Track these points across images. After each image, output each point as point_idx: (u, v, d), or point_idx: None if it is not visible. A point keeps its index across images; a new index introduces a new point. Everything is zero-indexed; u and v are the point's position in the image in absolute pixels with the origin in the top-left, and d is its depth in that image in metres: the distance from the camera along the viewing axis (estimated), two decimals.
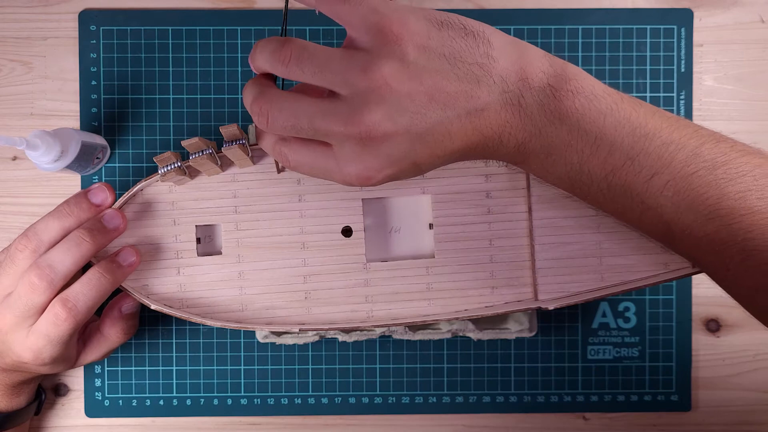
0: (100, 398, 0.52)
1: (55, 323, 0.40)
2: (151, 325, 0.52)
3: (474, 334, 0.50)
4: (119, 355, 0.52)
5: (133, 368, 0.52)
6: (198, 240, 0.44)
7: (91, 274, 0.41)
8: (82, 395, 0.52)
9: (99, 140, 0.50)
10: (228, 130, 0.39)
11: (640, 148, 0.33)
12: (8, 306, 0.40)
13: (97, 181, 0.52)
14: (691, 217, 0.33)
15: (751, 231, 0.32)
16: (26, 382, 0.46)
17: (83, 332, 0.46)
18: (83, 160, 0.47)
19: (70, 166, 0.46)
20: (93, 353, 0.46)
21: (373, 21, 0.32)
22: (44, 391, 0.50)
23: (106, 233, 0.42)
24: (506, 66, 0.33)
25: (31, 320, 0.40)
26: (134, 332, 0.47)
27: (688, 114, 0.53)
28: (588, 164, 0.34)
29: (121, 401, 0.52)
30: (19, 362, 0.42)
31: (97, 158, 0.50)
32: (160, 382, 0.52)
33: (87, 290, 0.40)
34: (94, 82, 0.52)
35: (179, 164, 0.41)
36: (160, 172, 0.41)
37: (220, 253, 0.44)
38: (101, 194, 0.42)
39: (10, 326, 0.41)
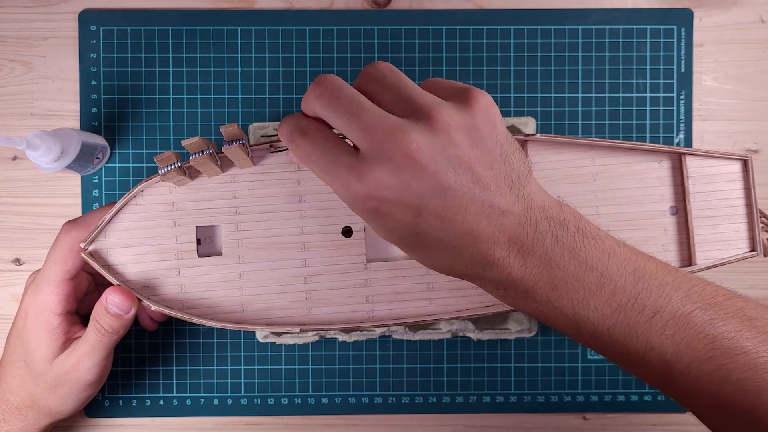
0: (100, 398, 0.52)
1: None
2: None
3: (474, 334, 0.50)
4: (119, 355, 0.52)
5: (133, 368, 0.52)
6: (198, 241, 0.44)
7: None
8: None
9: (99, 140, 0.50)
10: (228, 129, 0.39)
11: (642, 287, 0.34)
12: None
13: (97, 181, 0.52)
14: (690, 356, 0.34)
15: (745, 371, 0.33)
16: None
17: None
18: (83, 160, 0.47)
19: (70, 166, 0.46)
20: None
21: (422, 102, 0.33)
22: None
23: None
24: (535, 191, 0.34)
25: None
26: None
27: (688, 114, 0.53)
28: (594, 300, 0.34)
29: (121, 401, 0.52)
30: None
31: (97, 158, 0.50)
32: (160, 382, 0.52)
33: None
34: (94, 82, 0.52)
35: (179, 164, 0.41)
36: (160, 172, 0.41)
37: (221, 253, 0.44)
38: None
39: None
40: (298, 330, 0.43)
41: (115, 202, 0.43)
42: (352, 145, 0.34)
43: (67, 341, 0.44)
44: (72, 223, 0.44)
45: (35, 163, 0.45)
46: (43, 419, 0.45)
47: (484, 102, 0.33)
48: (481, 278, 0.35)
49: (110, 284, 0.43)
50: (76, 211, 0.52)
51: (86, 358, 0.43)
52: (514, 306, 0.37)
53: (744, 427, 0.33)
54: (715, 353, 0.33)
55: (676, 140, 0.53)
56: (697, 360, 0.33)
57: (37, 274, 0.46)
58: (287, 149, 0.42)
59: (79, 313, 0.46)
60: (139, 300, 0.43)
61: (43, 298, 0.43)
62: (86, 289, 0.46)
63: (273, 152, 0.43)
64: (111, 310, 0.42)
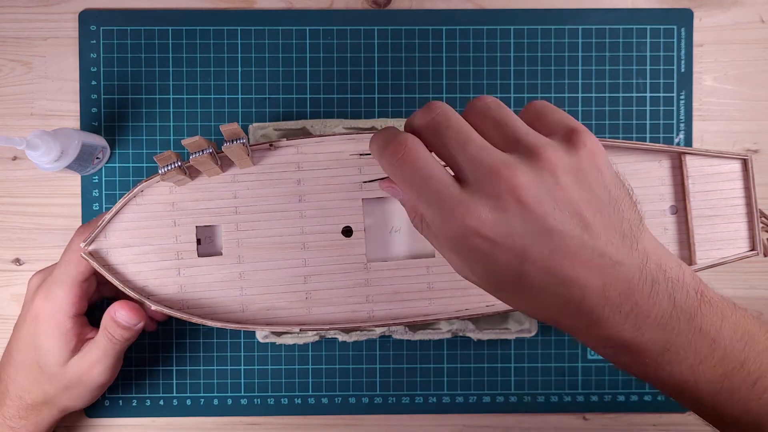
0: (100, 398, 0.52)
1: None
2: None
3: (474, 334, 0.50)
4: None
5: (134, 368, 0.52)
6: (198, 241, 0.44)
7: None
8: None
9: (99, 140, 0.50)
10: (228, 128, 0.39)
11: (748, 352, 0.32)
12: None
13: (97, 181, 0.52)
14: None
15: None
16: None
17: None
18: (83, 160, 0.47)
19: (70, 166, 0.46)
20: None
21: (529, 140, 0.31)
22: None
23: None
24: (650, 244, 0.31)
25: None
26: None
27: (688, 114, 0.53)
28: (703, 366, 0.32)
29: (121, 401, 0.52)
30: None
31: (97, 158, 0.50)
32: (160, 382, 0.52)
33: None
34: (94, 82, 0.52)
35: (179, 164, 0.41)
36: (160, 171, 0.41)
37: (221, 253, 0.44)
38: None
39: None
40: (298, 330, 0.43)
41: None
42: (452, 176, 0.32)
43: (79, 343, 0.45)
44: (87, 226, 0.45)
45: (35, 163, 0.45)
46: (57, 414, 0.47)
47: (591, 144, 0.31)
48: (586, 333, 0.32)
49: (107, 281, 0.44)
50: (76, 211, 0.52)
51: (99, 363, 0.45)
52: (615, 362, 0.34)
53: None
54: None
55: (676, 140, 0.53)
56: None
57: (41, 275, 0.46)
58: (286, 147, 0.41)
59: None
60: (141, 303, 0.44)
61: (56, 301, 0.44)
62: (94, 289, 0.47)
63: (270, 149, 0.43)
64: (120, 324, 0.44)
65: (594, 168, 0.31)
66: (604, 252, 0.30)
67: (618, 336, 0.31)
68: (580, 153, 0.31)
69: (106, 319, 0.44)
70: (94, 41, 0.52)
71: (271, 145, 0.43)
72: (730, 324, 0.32)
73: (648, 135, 0.52)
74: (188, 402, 0.52)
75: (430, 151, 0.32)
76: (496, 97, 0.52)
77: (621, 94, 0.52)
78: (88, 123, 0.52)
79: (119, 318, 0.44)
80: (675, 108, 0.53)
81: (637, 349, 0.31)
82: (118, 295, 0.46)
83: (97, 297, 0.49)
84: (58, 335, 0.44)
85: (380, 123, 0.50)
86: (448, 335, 0.50)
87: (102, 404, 0.52)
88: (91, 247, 0.43)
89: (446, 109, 0.32)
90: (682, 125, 0.53)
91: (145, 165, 0.52)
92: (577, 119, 0.52)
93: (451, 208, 0.30)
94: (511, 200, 0.29)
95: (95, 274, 0.45)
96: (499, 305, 0.44)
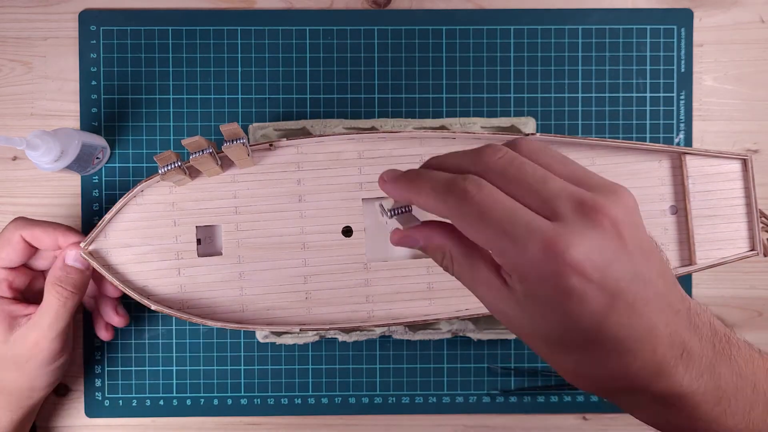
0: (100, 398, 0.52)
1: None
2: (151, 325, 0.52)
3: (474, 334, 0.50)
4: (119, 355, 0.52)
5: (133, 368, 0.52)
6: (198, 241, 0.44)
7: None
8: (82, 395, 0.52)
9: (99, 140, 0.50)
10: (228, 128, 0.39)
11: None
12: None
13: (97, 181, 0.52)
14: None
15: None
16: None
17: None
18: (83, 160, 0.47)
19: (70, 166, 0.46)
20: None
21: (599, 181, 0.28)
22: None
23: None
24: (682, 293, 0.30)
25: None
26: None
27: (688, 114, 0.53)
28: (753, 414, 0.31)
29: (121, 401, 0.52)
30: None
31: (97, 158, 0.50)
32: (160, 382, 0.52)
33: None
34: (94, 82, 0.52)
35: (179, 164, 0.41)
36: (160, 171, 0.41)
37: (221, 253, 0.44)
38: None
39: None
40: (298, 330, 0.43)
41: (75, 229, 0.44)
42: None
43: (13, 319, 0.44)
44: (23, 218, 0.44)
45: (35, 163, 0.45)
46: (16, 402, 0.45)
47: (632, 198, 0.29)
48: (641, 392, 0.30)
49: (99, 283, 0.45)
50: (76, 211, 0.52)
51: (49, 330, 0.43)
52: (660, 426, 0.32)
53: None
54: None
55: (676, 140, 0.53)
56: None
57: None
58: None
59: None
60: (140, 304, 0.44)
61: None
62: (24, 284, 0.46)
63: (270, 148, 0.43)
64: (72, 265, 0.43)
65: (641, 221, 0.29)
66: (670, 301, 0.28)
67: (679, 390, 0.29)
68: (630, 205, 0.28)
69: (54, 273, 0.43)
70: (94, 41, 0.52)
71: (271, 145, 0.43)
72: (757, 366, 0.31)
73: (648, 135, 0.52)
74: (188, 402, 0.52)
75: None
76: (496, 97, 0.52)
77: (621, 94, 0.52)
78: (88, 123, 0.52)
79: (70, 260, 0.43)
80: (675, 108, 0.53)
81: (693, 403, 0.29)
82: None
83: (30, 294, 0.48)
84: None
85: (380, 123, 0.50)
86: (448, 335, 0.50)
87: (102, 404, 0.52)
88: (91, 247, 0.43)
89: (510, 151, 0.29)
90: (682, 125, 0.53)
91: (145, 165, 0.52)
92: (577, 119, 0.52)
93: (545, 241, 0.26)
94: (613, 233, 0.26)
95: (34, 276, 0.46)
96: None
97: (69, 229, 0.44)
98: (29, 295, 0.47)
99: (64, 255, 0.43)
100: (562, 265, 0.26)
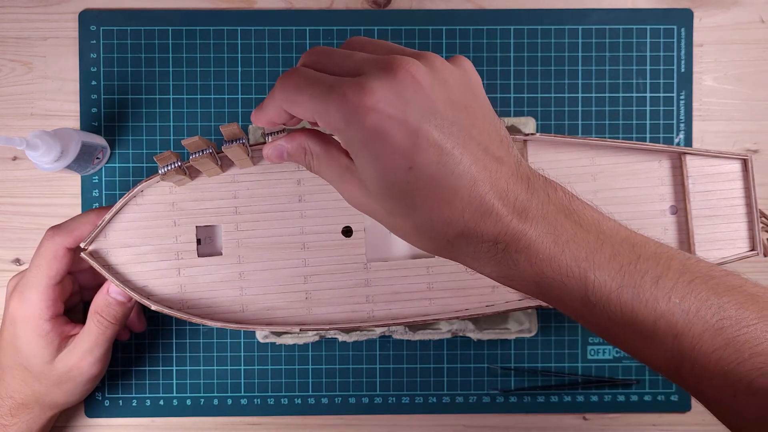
0: (100, 398, 0.52)
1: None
2: (151, 325, 0.52)
3: (474, 334, 0.50)
4: (119, 355, 0.52)
5: (133, 368, 0.52)
6: (198, 241, 0.44)
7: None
8: None
9: (99, 140, 0.50)
10: (228, 128, 0.39)
11: (638, 253, 0.32)
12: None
13: (97, 181, 0.52)
14: (700, 326, 0.32)
15: (756, 345, 0.31)
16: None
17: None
18: (83, 160, 0.47)
19: (70, 166, 0.46)
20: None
21: (413, 51, 0.33)
22: None
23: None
24: (519, 154, 0.34)
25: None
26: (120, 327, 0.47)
27: (688, 114, 0.53)
28: (597, 257, 0.32)
29: (121, 401, 0.52)
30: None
31: (97, 158, 0.50)
32: (160, 382, 0.52)
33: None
34: (94, 82, 0.52)
35: (179, 164, 0.41)
36: (160, 171, 0.41)
37: (221, 253, 0.44)
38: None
39: None
40: (298, 330, 0.43)
41: (106, 206, 0.44)
42: None
43: (63, 340, 0.45)
44: (56, 228, 0.44)
45: (35, 163, 0.45)
46: (49, 411, 0.47)
47: (471, 67, 0.34)
48: (474, 237, 0.32)
49: (97, 285, 0.44)
50: (76, 211, 0.52)
51: (89, 355, 0.45)
52: (512, 276, 0.33)
53: (761, 409, 0.31)
54: (725, 323, 0.31)
55: (676, 140, 0.53)
56: (707, 331, 0.31)
57: (19, 277, 0.46)
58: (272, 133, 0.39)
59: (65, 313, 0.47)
60: (141, 304, 0.44)
61: (29, 305, 0.44)
62: (71, 290, 0.47)
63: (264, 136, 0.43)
64: (114, 298, 0.44)
65: (477, 83, 0.33)
66: (488, 148, 0.31)
67: (507, 230, 0.31)
68: (463, 66, 0.33)
69: (97, 303, 0.44)
70: (94, 41, 0.52)
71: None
72: (607, 227, 0.33)
73: (648, 135, 0.52)
74: (188, 402, 0.52)
75: None
76: (496, 97, 0.52)
77: (621, 94, 0.52)
78: (88, 123, 0.52)
79: (113, 293, 0.44)
80: (675, 108, 0.53)
81: (528, 242, 0.31)
82: None
83: (78, 300, 0.49)
84: (36, 337, 0.44)
85: None
86: (448, 335, 0.50)
87: (102, 404, 0.52)
88: (91, 248, 0.43)
89: (326, 47, 0.33)
90: (682, 125, 0.53)
91: (145, 165, 0.52)
92: (577, 119, 0.52)
93: (343, 92, 0.30)
94: (410, 82, 0.30)
95: (73, 273, 0.46)
96: (499, 305, 0.44)
97: (99, 211, 0.44)
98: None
99: (108, 286, 0.44)
100: (360, 106, 0.29)
